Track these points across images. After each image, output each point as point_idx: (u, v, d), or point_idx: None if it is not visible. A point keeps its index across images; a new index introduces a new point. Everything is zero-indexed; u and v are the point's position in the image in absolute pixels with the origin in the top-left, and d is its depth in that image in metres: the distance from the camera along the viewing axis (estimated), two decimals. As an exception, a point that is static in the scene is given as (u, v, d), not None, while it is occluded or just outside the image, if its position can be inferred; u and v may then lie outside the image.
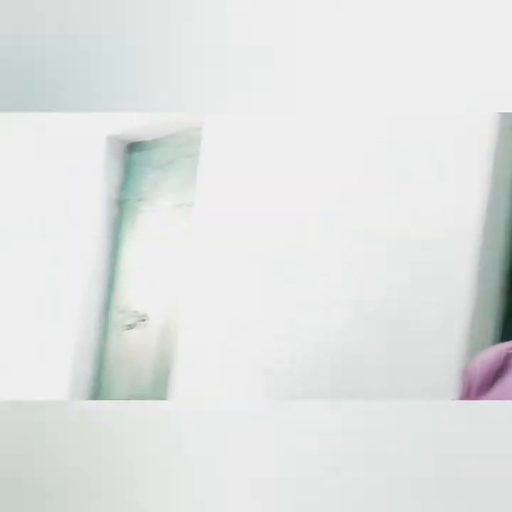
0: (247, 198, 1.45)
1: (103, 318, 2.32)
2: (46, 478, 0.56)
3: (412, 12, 0.64)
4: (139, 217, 2.16)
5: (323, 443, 0.61)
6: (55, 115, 2.67)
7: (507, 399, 0.45)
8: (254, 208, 1.42)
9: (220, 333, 1.46)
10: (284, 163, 1.35)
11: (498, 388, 0.45)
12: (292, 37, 0.69)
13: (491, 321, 0.99)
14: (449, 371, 0.93)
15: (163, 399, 1.71)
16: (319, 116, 1.23)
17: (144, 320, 2.01)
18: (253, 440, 0.61)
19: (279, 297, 1.30)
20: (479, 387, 0.47)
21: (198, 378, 1.53)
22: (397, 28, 0.65)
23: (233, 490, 0.58)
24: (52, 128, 2.71)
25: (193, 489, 0.56)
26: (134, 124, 2.05)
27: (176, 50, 0.68)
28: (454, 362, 0.94)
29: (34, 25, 0.66)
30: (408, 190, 1.07)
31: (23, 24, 0.65)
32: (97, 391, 2.30)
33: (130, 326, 2.07)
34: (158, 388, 1.85)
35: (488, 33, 0.60)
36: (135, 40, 0.67)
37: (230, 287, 1.45)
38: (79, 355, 2.29)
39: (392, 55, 0.67)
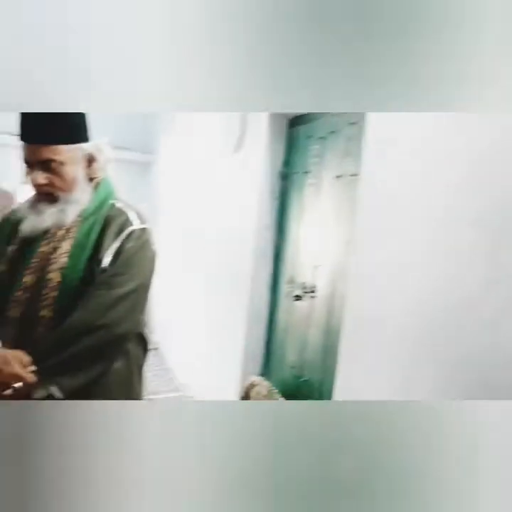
0: (412, 163, 1.35)
1: (273, 290, 2.43)
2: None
3: None
4: (305, 190, 2.18)
5: None
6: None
7: None
8: (420, 174, 1.31)
9: (387, 305, 1.41)
10: (450, 129, 1.21)
11: None
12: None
13: None
14: None
15: (332, 368, 1.74)
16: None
17: (312, 292, 2.05)
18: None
19: (449, 270, 1.19)
20: None
21: (364, 350, 1.51)
22: None
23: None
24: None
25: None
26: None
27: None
28: None
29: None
30: None
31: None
32: (269, 359, 2.44)
33: (298, 297, 2.13)
34: (327, 357, 1.89)
35: None
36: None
37: (398, 258, 1.38)
38: (251, 326, 2.45)
39: None
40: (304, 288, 2.10)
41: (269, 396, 2.00)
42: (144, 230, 1.25)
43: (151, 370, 3.85)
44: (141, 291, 1.23)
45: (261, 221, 2.40)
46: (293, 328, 2.22)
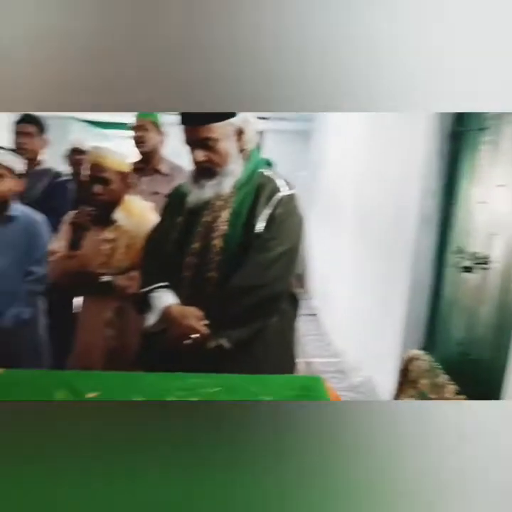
0: None
1: (438, 260, 2.26)
2: None
3: None
4: (480, 148, 1.94)
5: None
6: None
7: None
8: None
9: None
10: None
11: None
12: None
13: None
14: None
15: (506, 349, 1.56)
16: None
17: (484, 263, 1.84)
18: None
19: None
20: None
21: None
22: None
23: None
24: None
25: None
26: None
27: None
28: None
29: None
30: None
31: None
32: (432, 333, 2.30)
33: (467, 269, 1.95)
34: (500, 336, 1.70)
35: None
36: None
37: None
38: (413, 297, 2.33)
39: None
40: (475, 259, 1.90)
41: (431, 372, 1.90)
42: (291, 196, 1.33)
43: (309, 335, 3.97)
44: (292, 254, 1.31)
45: (427, 185, 2.22)
46: (460, 302, 2.04)
